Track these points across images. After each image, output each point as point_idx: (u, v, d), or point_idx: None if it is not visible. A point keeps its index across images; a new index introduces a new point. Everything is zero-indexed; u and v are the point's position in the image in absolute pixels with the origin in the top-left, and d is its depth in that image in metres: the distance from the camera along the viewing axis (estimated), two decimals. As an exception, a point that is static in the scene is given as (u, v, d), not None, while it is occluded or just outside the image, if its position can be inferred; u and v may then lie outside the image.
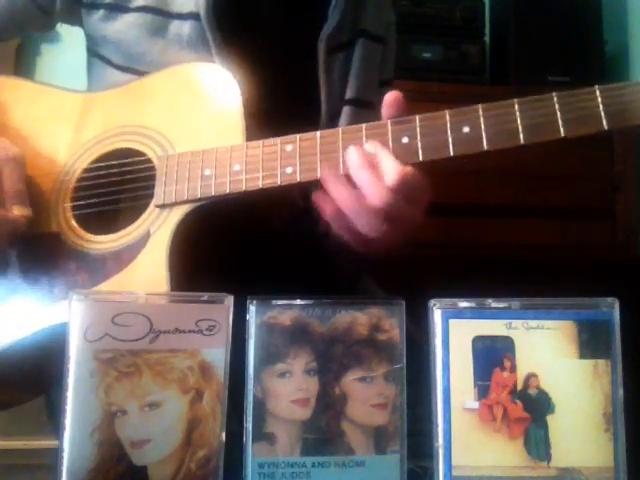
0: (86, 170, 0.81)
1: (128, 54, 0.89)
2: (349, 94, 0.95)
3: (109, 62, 0.92)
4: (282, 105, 0.88)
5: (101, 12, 0.90)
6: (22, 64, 2.05)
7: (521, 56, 1.98)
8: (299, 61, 0.93)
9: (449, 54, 1.98)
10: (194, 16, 0.87)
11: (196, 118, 0.79)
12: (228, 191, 0.73)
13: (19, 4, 0.92)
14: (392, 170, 0.67)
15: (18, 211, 0.74)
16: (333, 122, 0.94)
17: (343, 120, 0.95)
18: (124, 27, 0.89)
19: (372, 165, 0.68)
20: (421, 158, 0.69)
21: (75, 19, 0.94)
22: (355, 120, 0.93)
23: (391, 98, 0.71)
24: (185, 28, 0.88)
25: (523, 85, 1.90)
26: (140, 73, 0.87)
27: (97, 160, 0.81)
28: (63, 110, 0.86)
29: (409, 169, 0.68)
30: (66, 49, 1.96)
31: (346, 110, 0.95)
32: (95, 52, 0.95)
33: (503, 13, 2.08)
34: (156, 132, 0.80)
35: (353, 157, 0.69)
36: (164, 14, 0.89)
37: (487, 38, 2.08)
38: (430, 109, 0.70)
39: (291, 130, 0.75)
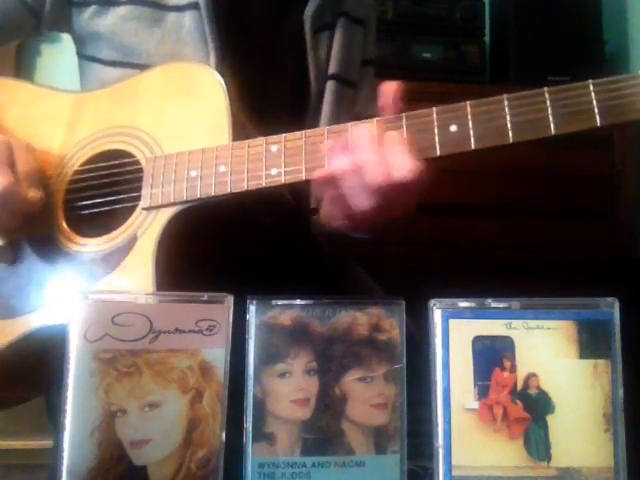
0: (77, 172, 0.81)
1: (121, 47, 0.89)
2: (332, 69, 0.97)
3: (99, 60, 0.92)
4: (276, 91, 0.89)
5: (92, 8, 0.90)
6: (22, 64, 2.05)
7: (521, 56, 1.98)
8: (290, 46, 0.94)
9: (449, 54, 1.98)
10: (193, 6, 0.87)
11: (184, 119, 0.79)
12: (214, 193, 0.73)
13: (10, 7, 0.92)
14: (403, 164, 0.64)
15: (33, 192, 0.75)
16: (320, 100, 0.95)
17: (327, 97, 0.95)
18: (117, 20, 0.89)
19: (381, 144, 0.66)
20: None
21: (63, 22, 0.94)
22: (339, 98, 0.95)
23: (387, 89, 0.69)
24: (185, 19, 0.88)
25: (523, 85, 1.90)
26: (132, 66, 0.87)
27: (88, 162, 0.81)
28: (56, 111, 0.86)
29: (420, 165, 0.65)
30: (66, 49, 1.94)
31: (330, 85, 0.96)
32: (83, 54, 0.95)
33: (503, 13, 2.07)
34: (145, 133, 0.80)
35: (363, 132, 0.67)
36: (159, 7, 0.89)
37: (487, 38, 2.08)
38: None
39: (286, 117, 0.74)
